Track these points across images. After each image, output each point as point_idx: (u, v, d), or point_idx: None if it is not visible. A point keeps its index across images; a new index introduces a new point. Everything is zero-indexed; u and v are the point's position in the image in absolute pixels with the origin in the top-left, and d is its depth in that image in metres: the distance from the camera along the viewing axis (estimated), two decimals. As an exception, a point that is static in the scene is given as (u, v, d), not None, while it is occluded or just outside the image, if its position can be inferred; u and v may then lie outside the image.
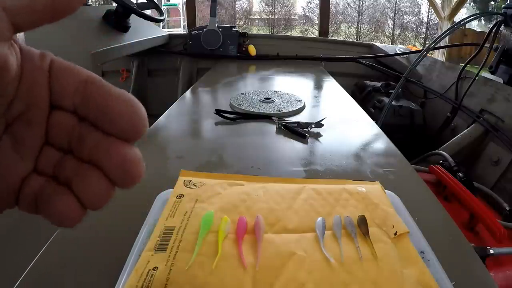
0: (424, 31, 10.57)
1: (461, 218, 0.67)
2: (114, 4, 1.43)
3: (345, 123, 0.78)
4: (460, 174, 0.84)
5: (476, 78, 1.26)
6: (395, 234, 0.32)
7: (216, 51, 1.76)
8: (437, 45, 1.58)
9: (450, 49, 4.69)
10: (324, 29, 1.96)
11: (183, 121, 0.81)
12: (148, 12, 1.54)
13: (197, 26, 1.85)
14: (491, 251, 0.57)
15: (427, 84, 1.52)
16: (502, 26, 1.24)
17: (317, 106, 0.93)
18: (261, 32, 10.06)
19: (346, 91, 1.10)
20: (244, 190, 0.39)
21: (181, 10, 8.38)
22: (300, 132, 0.68)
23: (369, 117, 0.81)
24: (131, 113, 0.14)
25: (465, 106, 1.27)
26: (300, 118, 0.79)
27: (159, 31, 1.86)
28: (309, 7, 10.84)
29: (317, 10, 6.88)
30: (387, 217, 0.35)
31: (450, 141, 1.18)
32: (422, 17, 10.68)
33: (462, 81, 1.34)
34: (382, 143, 0.68)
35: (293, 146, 0.64)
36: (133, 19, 1.51)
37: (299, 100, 0.91)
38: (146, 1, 1.56)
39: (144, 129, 0.15)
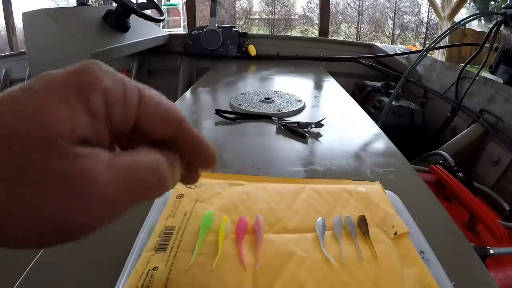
0: (424, 31, 10.58)
1: (461, 218, 0.67)
2: (114, 4, 1.43)
3: (345, 123, 0.78)
4: (460, 174, 0.84)
5: (476, 78, 1.26)
6: (395, 234, 0.32)
7: (216, 51, 1.76)
8: (437, 45, 1.58)
9: (450, 49, 4.69)
10: (324, 29, 1.97)
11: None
12: (148, 12, 1.54)
13: (197, 26, 1.86)
14: (491, 251, 0.57)
15: (427, 84, 1.52)
16: (502, 26, 1.24)
17: (317, 106, 0.93)
18: (261, 32, 10.06)
19: (346, 91, 1.10)
20: (244, 190, 0.39)
21: (181, 10, 8.38)
22: (300, 132, 0.68)
23: (369, 117, 0.81)
24: (211, 162, 0.20)
25: (465, 106, 1.27)
26: (300, 118, 0.79)
27: (159, 31, 1.86)
28: (309, 7, 10.86)
29: (317, 10, 6.88)
30: (387, 217, 0.35)
31: (450, 141, 1.18)
32: (422, 17, 10.70)
33: (462, 81, 1.34)
34: (382, 143, 0.68)
35: (293, 146, 0.64)
36: (133, 19, 1.51)
37: (299, 100, 0.91)
38: (146, 1, 1.56)
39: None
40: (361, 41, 6.37)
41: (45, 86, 0.14)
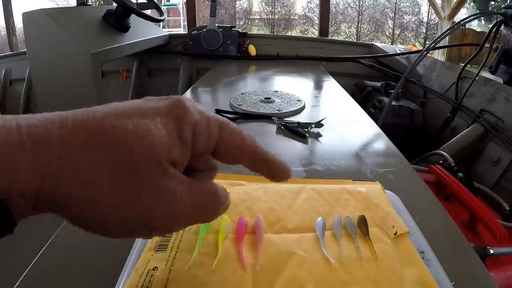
0: (424, 31, 10.57)
1: (461, 218, 0.67)
2: (114, 4, 1.43)
3: (345, 123, 0.78)
4: (460, 174, 0.84)
5: (476, 78, 1.26)
6: (395, 234, 0.32)
7: (216, 51, 1.76)
8: (437, 45, 1.58)
9: (450, 49, 4.68)
10: (324, 29, 1.96)
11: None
12: (148, 12, 1.54)
13: (197, 26, 1.85)
14: (491, 251, 0.57)
15: (427, 84, 1.52)
16: (502, 26, 1.24)
17: (317, 106, 0.93)
18: (261, 32, 10.06)
19: (346, 91, 1.10)
20: (244, 190, 0.39)
21: (181, 10, 8.38)
22: (300, 132, 0.68)
23: (369, 117, 0.81)
24: (286, 175, 0.23)
25: (465, 106, 1.27)
26: (300, 118, 0.79)
27: (159, 31, 1.86)
28: (309, 7, 10.85)
29: (317, 10, 6.88)
30: (387, 217, 0.35)
31: (450, 141, 1.18)
32: (422, 17, 10.69)
33: (462, 81, 1.34)
34: (382, 143, 0.68)
35: (293, 146, 0.64)
36: (133, 19, 1.51)
37: (299, 100, 0.91)
38: (146, 1, 1.56)
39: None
40: (361, 41, 6.37)
41: (153, 111, 0.18)
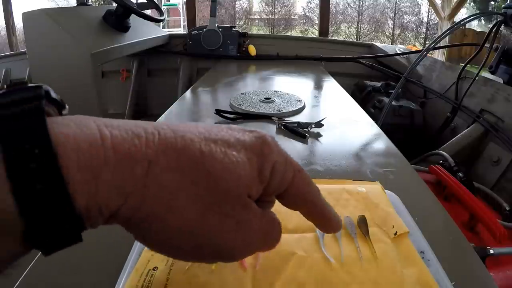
0: (424, 31, 10.57)
1: (461, 218, 0.67)
2: (114, 4, 1.43)
3: (345, 123, 0.78)
4: (460, 174, 0.84)
5: (476, 78, 1.26)
6: (395, 234, 0.32)
7: (216, 51, 1.76)
8: (437, 45, 1.58)
9: (450, 49, 4.68)
10: (324, 29, 1.97)
11: (183, 121, 0.81)
12: (148, 12, 1.54)
13: (197, 26, 1.85)
14: (491, 251, 0.57)
15: (427, 84, 1.52)
16: (502, 26, 1.24)
17: (317, 106, 0.93)
18: (261, 32, 10.06)
19: (346, 91, 1.10)
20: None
21: (181, 10, 8.37)
22: (300, 132, 0.68)
23: (369, 117, 0.81)
24: (336, 230, 0.23)
25: (465, 106, 1.27)
26: (300, 118, 0.79)
27: (159, 31, 1.86)
28: (309, 7, 10.86)
29: (317, 10, 6.88)
30: (387, 217, 0.35)
31: (450, 141, 1.18)
32: (422, 17, 10.70)
33: (462, 81, 1.34)
34: (382, 143, 0.68)
35: (293, 146, 0.64)
36: (133, 19, 1.51)
37: (299, 100, 0.91)
38: (146, 1, 1.56)
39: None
40: (361, 41, 6.37)
41: (239, 142, 0.19)
